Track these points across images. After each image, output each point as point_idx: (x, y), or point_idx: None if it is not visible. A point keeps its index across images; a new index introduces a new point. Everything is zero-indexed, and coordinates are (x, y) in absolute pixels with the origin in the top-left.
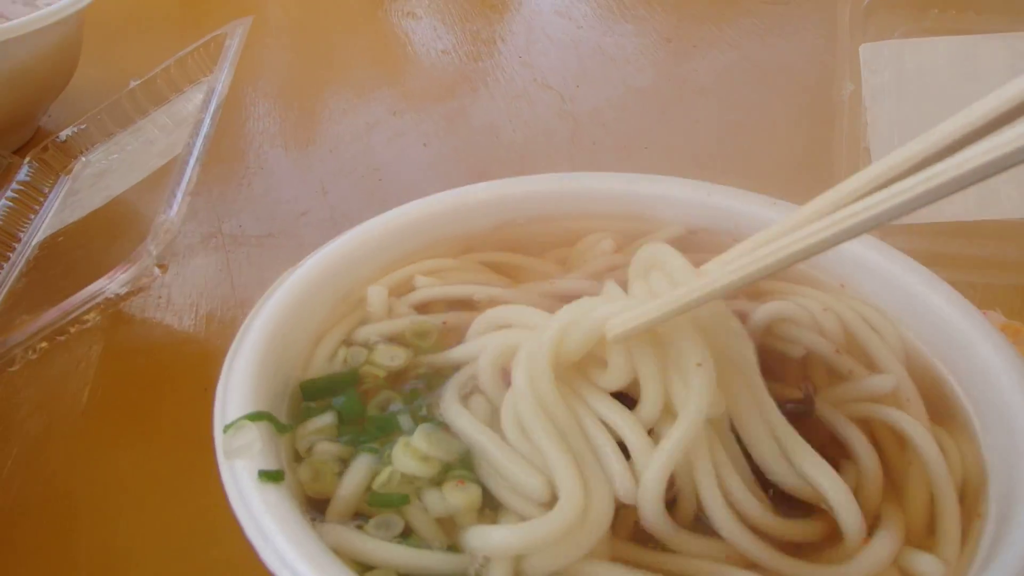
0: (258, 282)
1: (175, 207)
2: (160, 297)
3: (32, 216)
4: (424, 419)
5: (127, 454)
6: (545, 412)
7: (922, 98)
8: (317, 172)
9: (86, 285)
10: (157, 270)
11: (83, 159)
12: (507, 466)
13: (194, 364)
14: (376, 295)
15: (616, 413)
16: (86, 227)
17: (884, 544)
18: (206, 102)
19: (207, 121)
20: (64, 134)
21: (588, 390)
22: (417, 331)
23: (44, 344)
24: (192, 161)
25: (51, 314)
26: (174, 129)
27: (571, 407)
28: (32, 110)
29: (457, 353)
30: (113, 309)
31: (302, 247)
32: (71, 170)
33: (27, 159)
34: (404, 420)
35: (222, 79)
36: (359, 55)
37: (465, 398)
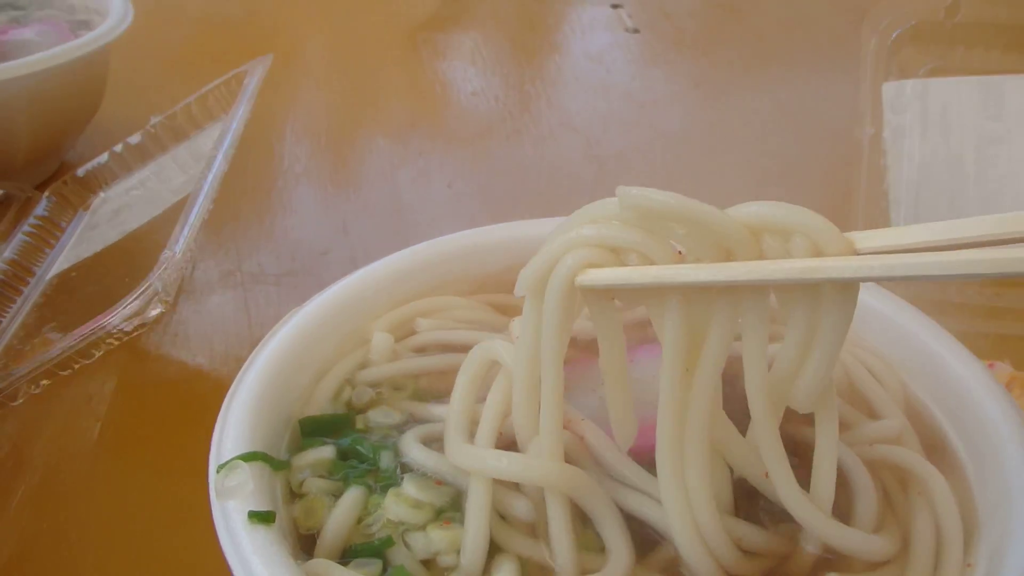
0: (274, 320)
1: (180, 244)
2: (176, 334)
3: (48, 250)
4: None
5: (136, 490)
6: None
7: (944, 138)
8: (340, 211)
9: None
10: (160, 306)
11: (102, 195)
12: None
13: (206, 401)
14: (380, 342)
15: None
16: (100, 261)
17: None
18: (220, 140)
19: (219, 158)
20: (83, 169)
21: None
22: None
23: (46, 381)
24: (201, 199)
25: (54, 349)
26: (193, 165)
27: None
28: (57, 144)
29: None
30: (120, 344)
31: (321, 286)
32: (89, 205)
33: (46, 193)
34: (387, 457)
35: (238, 116)
36: (389, 95)
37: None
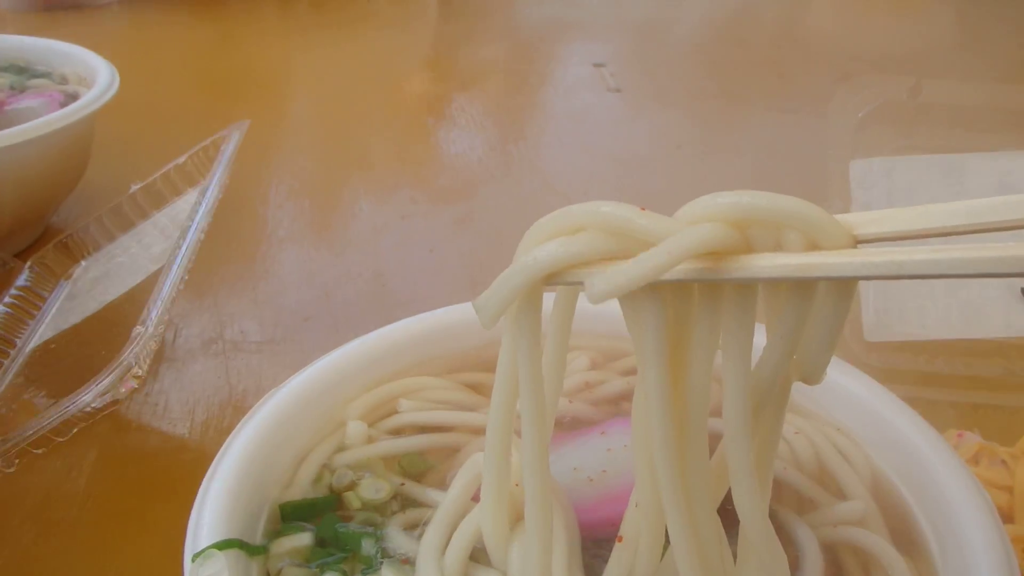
0: (256, 389)
1: (152, 319)
2: (157, 404)
3: (30, 321)
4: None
5: (117, 565)
6: None
7: None
8: (322, 277)
9: (72, 392)
10: (133, 382)
11: (83, 263)
12: None
13: (188, 473)
14: (354, 430)
15: None
16: (79, 333)
17: None
18: (194, 210)
19: (193, 229)
20: (66, 238)
21: None
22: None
23: (18, 460)
24: (173, 271)
25: (27, 429)
26: (173, 231)
27: None
28: (42, 211)
29: (433, 495)
30: (93, 421)
31: (303, 353)
32: (71, 275)
33: (28, 263)
34: (368, 544)
35: (212, 184)
36: (373, 156)
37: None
